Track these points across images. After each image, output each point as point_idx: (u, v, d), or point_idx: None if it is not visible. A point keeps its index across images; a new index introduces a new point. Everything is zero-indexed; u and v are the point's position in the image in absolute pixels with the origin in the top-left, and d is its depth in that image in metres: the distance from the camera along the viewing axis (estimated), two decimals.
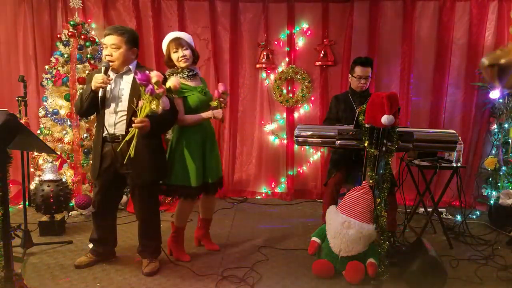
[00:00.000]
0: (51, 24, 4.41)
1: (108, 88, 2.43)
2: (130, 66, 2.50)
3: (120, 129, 2.45)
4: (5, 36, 4.38)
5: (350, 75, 3.29)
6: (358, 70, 3.19)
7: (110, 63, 2.43)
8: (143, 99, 2.32)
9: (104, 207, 2.65)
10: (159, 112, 2.31)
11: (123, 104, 2.45)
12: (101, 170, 2.51)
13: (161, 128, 2.57)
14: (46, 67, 4.06)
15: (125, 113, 2.45)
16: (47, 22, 4.39)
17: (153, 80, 2.28)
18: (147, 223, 2.66)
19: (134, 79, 2.43)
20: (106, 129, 2.45)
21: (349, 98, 3.27)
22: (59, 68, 3.95)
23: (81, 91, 2.48)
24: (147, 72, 2.31)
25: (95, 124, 2.66)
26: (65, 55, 3.96)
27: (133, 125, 2.31)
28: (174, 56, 2.68)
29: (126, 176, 2.52)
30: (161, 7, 4.45)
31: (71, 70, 3.88)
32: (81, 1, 4.27)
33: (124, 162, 2.39)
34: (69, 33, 3.87)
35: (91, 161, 3.06)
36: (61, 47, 3.99)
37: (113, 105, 2.45)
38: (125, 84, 2.47)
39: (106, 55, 2.44)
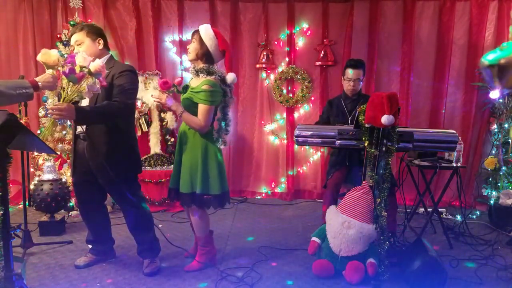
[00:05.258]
0: (51, 24, 4.41)
1: None
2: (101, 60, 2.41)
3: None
4: (5, 36, 4.38)
5: (342, 78, 3.30)
6: (348, 72, 3.20)
7: None
8: (64, 84, 2.20)
9: (88, 206, 2.64)
10: (85, 96, 2.21)
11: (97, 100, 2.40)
12: (76, 168, 2.50)
13: (102, 117, 2.32)
14: None
15: None
16: (47, 22, 4.39)
17: (76, 61, 2.18)
18: (130, 218, 2.60)
19: (107, 73, 2.36)
20: (81, 126, 2.44)
21: (341, 103, 3.28)
22: (59, 68, 3.94)
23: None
24: (74, 53, 2.23)
25: None
26: (65, 55, 3.95)
27: (48, 111, 2.23)
28: None
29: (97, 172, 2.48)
30: (161, 7, 4.45)
31: None
32: (81, 1, 4.28)
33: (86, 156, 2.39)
34: (69, 33, 3.86)
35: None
36: (61, 47, 3.98)
37: (84, 102, 2.42)
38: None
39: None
